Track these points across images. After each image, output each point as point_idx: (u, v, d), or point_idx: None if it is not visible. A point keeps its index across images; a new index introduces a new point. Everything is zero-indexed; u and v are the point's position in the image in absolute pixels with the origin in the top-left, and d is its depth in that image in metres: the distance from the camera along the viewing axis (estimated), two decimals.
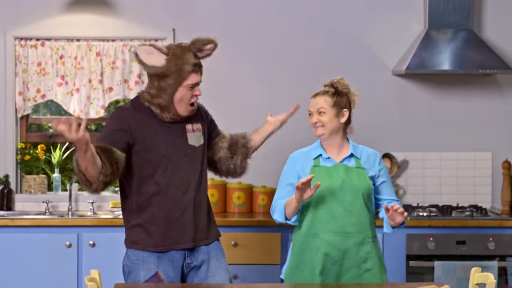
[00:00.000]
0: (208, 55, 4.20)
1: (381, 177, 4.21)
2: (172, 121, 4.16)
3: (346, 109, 4.15)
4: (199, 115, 4.32)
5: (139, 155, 4.11)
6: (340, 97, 4.15)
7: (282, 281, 4.21)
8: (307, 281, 4.05)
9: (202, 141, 4.28)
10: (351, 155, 4.18)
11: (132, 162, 4.12)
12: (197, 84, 4.14)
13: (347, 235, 4.07)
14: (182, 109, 4.14)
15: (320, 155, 4.17)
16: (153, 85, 4.12)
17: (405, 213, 4.04)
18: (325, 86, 4.19)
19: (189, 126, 4.22)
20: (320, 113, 4.12)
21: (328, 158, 4.16)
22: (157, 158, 4.11)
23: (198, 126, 4.27)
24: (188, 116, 4.20)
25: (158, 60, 4.06)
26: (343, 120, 4.15)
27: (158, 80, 4.09)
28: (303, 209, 4.12)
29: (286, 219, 4.10)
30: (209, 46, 4.16)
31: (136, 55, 4.06)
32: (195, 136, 4.23)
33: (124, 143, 4.08)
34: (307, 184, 3.93)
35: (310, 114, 4.18)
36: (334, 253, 4.05)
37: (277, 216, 4.12)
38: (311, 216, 4.10)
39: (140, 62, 4.07)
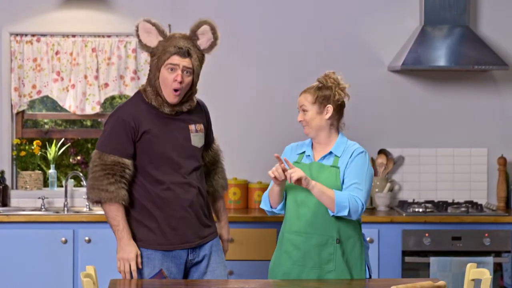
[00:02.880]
0: (211, 45, 4.18)
1: (346, 174, 4.01)
2: (174, 114, 4.16)
3: (329, 105, 4.02)
4: (202, 115, 4.31)
5: (143, 155, 4.12)
6: (323, 92, 4.02)
7: None
8: (282, 276, 4.03)
9: (203, 142, 4.28)
10: (330, 153, 4.05)
11: (137, 162, 4.13)
12: (178, 67, 4.08)
13: (308, 235, 3.99)
14: (166, 94, 4.11)
15: (304, 152, 4.10)
16: (150, 69, 4.15)
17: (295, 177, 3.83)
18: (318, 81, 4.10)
19: (192, 127, 4.21)
20: (303, 111, 4.05)
21: (309, 156, 4.08)
22: (161, 158, 4.12)
23: (200, 126, 4.26)
24: (191, 114, 4.21)
25: (153, 40, 4.11)
26: (328, 116, 4.02)
27: (151, 61, 4.13)
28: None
29: (271, 207, 4.06)
30: (202, 28, 4.14)
31: (136, 30, 4.11)
32: (198, 136, 4.23)
33: (132, 149, 4.11)
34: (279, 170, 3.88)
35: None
36: (295, 253, 4.00)
37: (263, 205, 4.11)
38: (285, 215, 4.08)
39: (137, 37, 4.12)
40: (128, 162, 4.09)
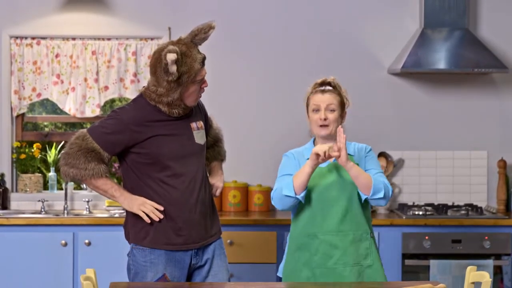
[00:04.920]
0: (206, 39, 4.19)
1: (367, 166, 4.12)
2: (179, 116, 4.16)
3: (344, 111, 4.12)
4: (199, 112, 4.33)
5: (147, 155, 4.11)
6: (341, 97, 4.10)
7: (279, 279, 4.20)
8: (308, 280, 4.03)
9: (205, 139, 4.29)
10: None
11: (141, 162, 4.13)
12: (204, 76, 4.15)
13: (345, 233, 4.03)
14: (191, 101, 4.16)
15: None
16: (160, 84, 4.08)
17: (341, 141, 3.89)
18: (320, 84, 4.12)
19: (193, 125, 4.22)
20: (330, 110, 4.05)
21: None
22: (167, 159, 4.11)
23: (201, 123, 4.27)
24: (191, 112, 4.22)
25: (176, 67, 4.03)
26: (343, 121, 4.12)
27: (168, 81, 4.06)
28: (299, 209, 4.10)
29: (295, 193, 3.97)
30: (210, 32, 4.15)
31: (166, 64, 4.00)
32: (200, 134, 4.24)
33: (117, 151, 4.11)
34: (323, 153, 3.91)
35: (316, 110, 4.07)
36: (334, 253, 4.02)
37: (287, 192, 3.97)
38: (307, 216, 4.07)
39: (166, 70, 4.03)
40: (107, 155, 4.11)
